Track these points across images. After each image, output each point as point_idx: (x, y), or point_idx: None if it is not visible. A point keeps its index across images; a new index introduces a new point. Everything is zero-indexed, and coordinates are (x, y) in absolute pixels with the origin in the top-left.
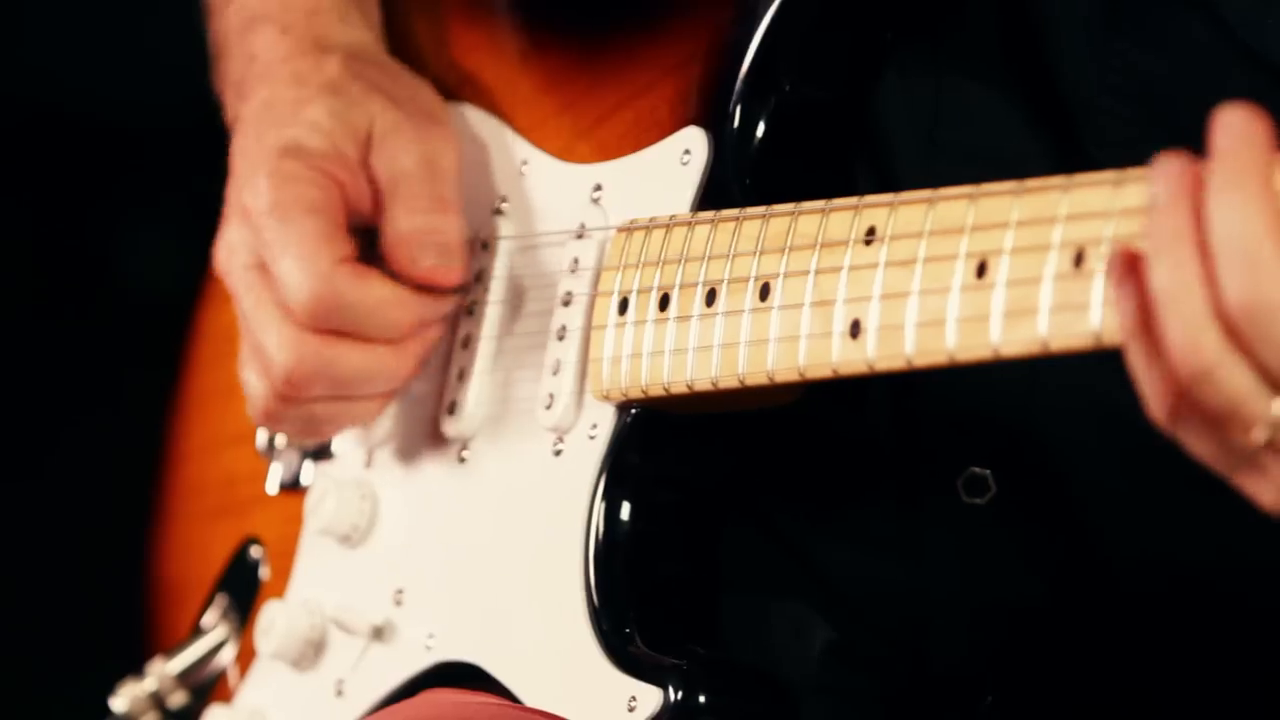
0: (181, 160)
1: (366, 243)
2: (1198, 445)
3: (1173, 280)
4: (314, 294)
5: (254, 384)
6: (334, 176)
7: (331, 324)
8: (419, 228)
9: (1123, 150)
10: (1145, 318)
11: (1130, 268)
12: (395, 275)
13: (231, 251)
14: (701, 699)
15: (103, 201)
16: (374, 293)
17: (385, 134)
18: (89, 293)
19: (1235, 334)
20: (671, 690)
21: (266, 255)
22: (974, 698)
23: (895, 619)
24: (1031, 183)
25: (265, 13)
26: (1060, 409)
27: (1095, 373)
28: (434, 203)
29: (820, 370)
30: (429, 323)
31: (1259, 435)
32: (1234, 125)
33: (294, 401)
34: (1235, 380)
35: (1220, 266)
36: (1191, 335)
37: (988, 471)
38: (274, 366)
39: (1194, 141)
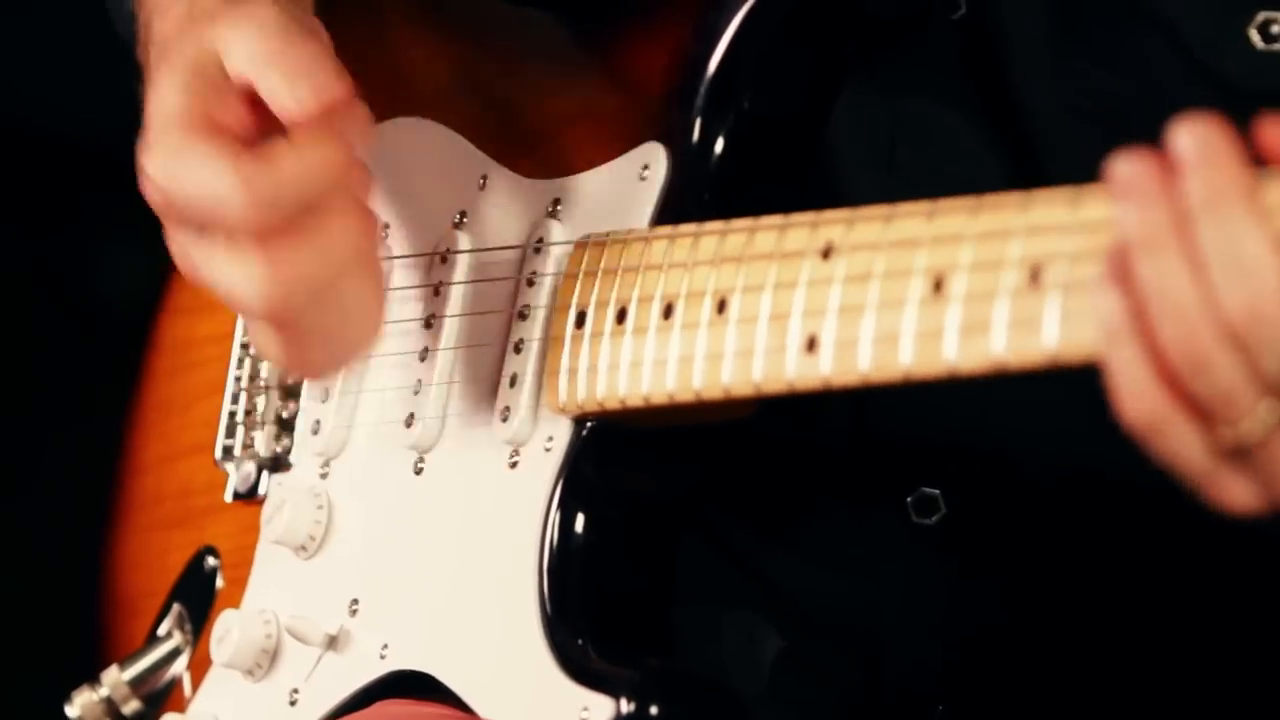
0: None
1: None
2: (1179, 442)
3: (1163, 276)
4: (245, 195)
5: (261, 338)
6: (202, 118)
7: (284, 211)
8: (286, 71)
9: (1083, 169)
10: (1137, 312)
11: (1120, 267)
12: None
13: (174, 240)
14: (654, 710)
15: (72, 216)
16: (290, 156)
17: (227, 45)
18: (56, 306)
19: (1234, 337)
20: (624, 701)
21: (188, 208)
22: (925, 707)
23: (847, 631)
24: (989, 198)
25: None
26: (1013, 429)
27: (1049, 392)
28: (274, 55)
29: (776, 385)
30: (357, 139)
31: (1248, 427)
32: (1204, 140)
33: (291, 326)
34: (1230, 373)
35: (1218, 280)
36: (1188, 329)
37: (938, 492)
38: (251, 301)
39: None
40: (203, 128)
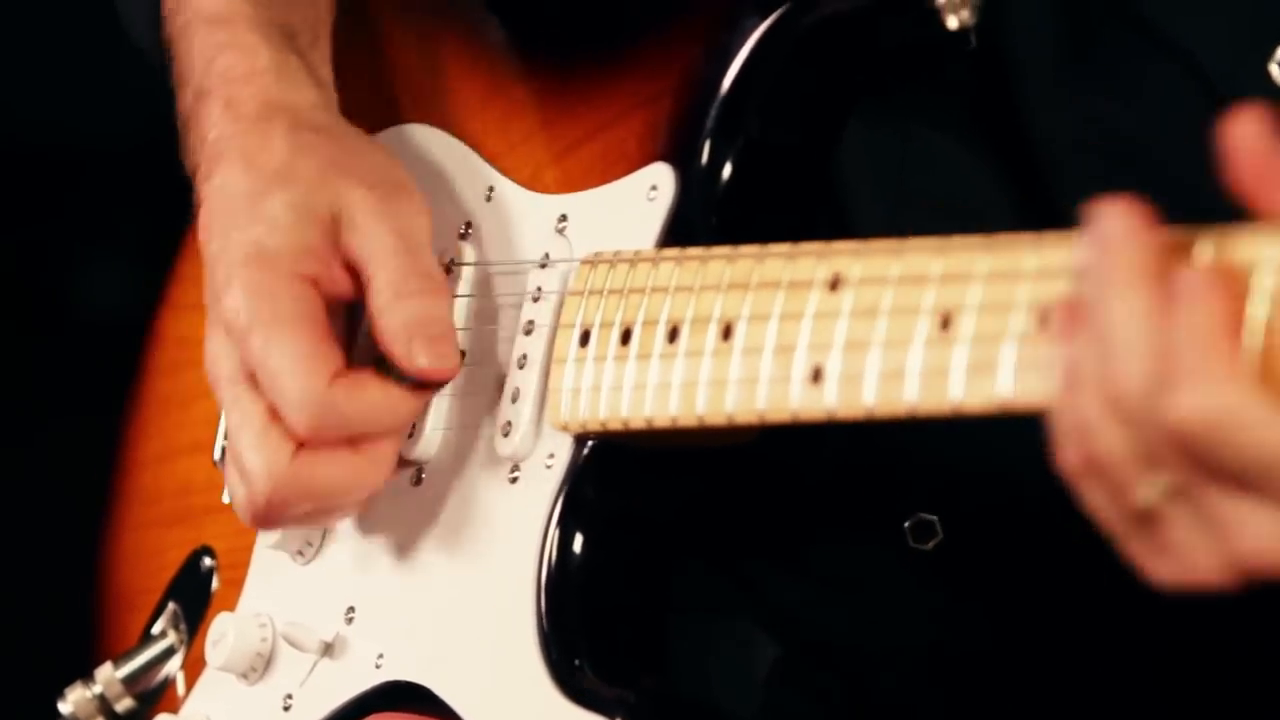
0: (133, 182)
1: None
2: (1092, 498)
3: (1079, 347)
4: (314, 416)
5: (237, 491)
6: (306, 277)
7: (330, 437)
8: (413, 318)
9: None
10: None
11: (1069, 321)
12: (387, 363)
13: (216, 362)
14: None
15: (54, 225)
16: (370, 401)
17: (354, 214)
18: (42, 315)
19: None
20: None
21: (259, 374)
22: None
23: (839, 652)
24: (1000, 237)
25: (208, 87)
26: (1013, 457)
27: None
28: (422, 283)
29: (780, 415)
30: (421, 413)
31: (1143, 494)
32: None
33: (276, 517)
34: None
35: (1112, 353)
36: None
37: (935, 518)
38: (255, 487)
39: (1165, 194)
40: (305, 314)
